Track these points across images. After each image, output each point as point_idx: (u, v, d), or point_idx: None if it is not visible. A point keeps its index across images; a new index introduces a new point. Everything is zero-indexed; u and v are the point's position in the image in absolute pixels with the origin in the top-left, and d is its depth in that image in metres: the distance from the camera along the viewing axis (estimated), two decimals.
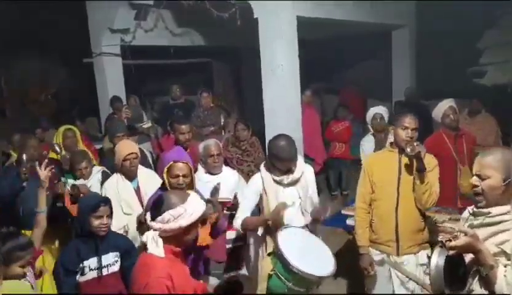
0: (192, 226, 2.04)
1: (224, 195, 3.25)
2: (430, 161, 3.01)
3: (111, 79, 7.28)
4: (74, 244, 2.83)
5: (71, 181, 3.78)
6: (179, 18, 7.60)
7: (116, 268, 2.81)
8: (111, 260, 2.80)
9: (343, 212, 4.21)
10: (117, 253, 2.82)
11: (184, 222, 1.98)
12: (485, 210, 2.02)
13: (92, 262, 2.75)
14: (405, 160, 2.97)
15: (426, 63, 7.78)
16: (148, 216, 2.04)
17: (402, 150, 2.95)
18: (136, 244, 3.05)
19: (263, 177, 3.09)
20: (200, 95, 6.06)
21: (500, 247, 1.92)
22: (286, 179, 3.03)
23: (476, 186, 2.03)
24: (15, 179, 3.52)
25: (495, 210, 1.99)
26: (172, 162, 2.83)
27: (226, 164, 4.59)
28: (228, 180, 3.52)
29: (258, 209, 3.22)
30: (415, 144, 2.83)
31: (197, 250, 2.84)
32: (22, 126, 7.49)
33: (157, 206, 2.02)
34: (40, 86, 9.78)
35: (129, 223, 3.32)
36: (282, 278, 2.46)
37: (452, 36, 6.95)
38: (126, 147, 3.54)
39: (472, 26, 6.50)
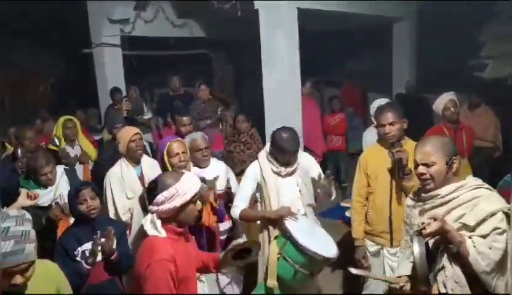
0: (188, 205, 2.04)
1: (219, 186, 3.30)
2: None
3: (111, 70, 7.28)
4: (71, 230, 2.87)
5: (37, 191, 3.26)
6: (179, 8, 7.58)
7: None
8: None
9: (342, 204, 4.24)
10: (114, 239, 2.78)
11: (177, 202, 1.99)
12: (433, 193, 2.18)
13: (89, 245, 2.74)
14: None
15: (427, 56, 7.77)
16: (146, 200, 2.09)
17: (391, 144, 2.98)
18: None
19: (261, 166, 3.12)
20: (198, 87, 6.03)
21: (461, 222, 2.09)
22: (284, 170, 3.06)
23: (423, 174, 2.18)
24: (11, 174, 3.50)
25: (442, 191, 2.16)
26: (168, 143, 2.96)
27: (226, 157, 4.62)
28: (217, 172, 3.49)
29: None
30: (396, 150, 2.85)
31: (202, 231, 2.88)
32: (21, 117, 7.50)
33: (152, 188, 2.05)
34: (39, 77, 9.75)
35: (133, 206, 3.32)
36: (290, 260, 2.50)
37: (453, 29, 6.93)
38: (130, 130, 3.57)
39: (473, 19, 6.48)
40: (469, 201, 2.12)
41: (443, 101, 4.19)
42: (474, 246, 2.01)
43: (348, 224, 4.09)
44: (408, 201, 2.41)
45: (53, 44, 8.75)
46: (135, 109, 6.37)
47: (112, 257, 2.69)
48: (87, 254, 2.71)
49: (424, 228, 2.01)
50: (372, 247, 3.18)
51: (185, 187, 2.03)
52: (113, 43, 7.25)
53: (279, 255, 2.56)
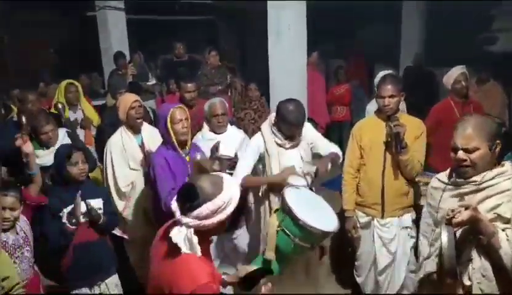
0: (230, 216, 1.75)
1: (232, 153, 3.30)
2: (418, 126, 3.08)
3: (115, 34, 7.18)
4: (55, 190, 2.89)
5: (39, 152, 3.42)
6: None
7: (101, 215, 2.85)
8: (98, 205, 2.83)
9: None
10: (101, 200, 2.86)
11: (223, 215, 1.71)
12: (470, 179, 2.02)
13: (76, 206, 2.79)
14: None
15: (436, 29, 7.61)
16: (176, 209, 1.72)
17: (388, 117, 3.00)
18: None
19: (264, 138, 3.10)
20: (209, 53, 5.97)
21: (495, 213, 1.94)
22: (288, 143, 3.05)
23: (463, 160, 2.00)
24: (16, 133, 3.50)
25: (480, 177, 1.99)
26: (172, 110, 2.94)
27: (236, 124, 4.61)
28: (233, 139, 3.50)
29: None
30: (394, 124, 2.86)
31: None
32: (24, 80, 7.45)
33: (189, 197, 1.70)
34: (41, 40, 9.62)
35: (136, 179, 3.36)
36: (289, 233, 2.50)
37: (463, 1, 6.77)
38: (129, 97, 3.53)
39: None
40: (507, 190, 1.96)
41: (454, 75, 4.12)
42: (508, 240, 1.88)
43: None
44: (435, 182, 2.25)
45: (57, 6, 8.61)
46: (139, 75, 6.32)
47: (100, 221, 2.79)
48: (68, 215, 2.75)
49: (454, 217, 1.88)
50: (362, 218, 3.21)
51: (230, 195, 1.73)
52: (117, 7, 7.12)
53: (278, 228, 2.54)
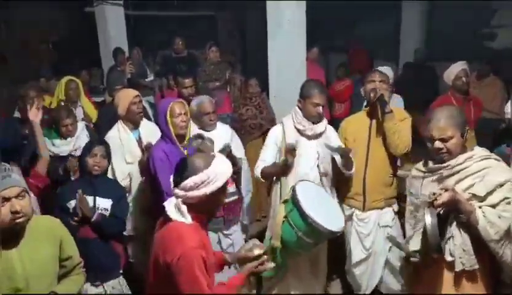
0: (218, 192, 1.88)
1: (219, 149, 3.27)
2: (401, 113, 3.19)
3: (113, 30, 7.15)
4: (71, 183, 2.97)
5: (57, 141, 3.58)
6: None
7: (106, 215, 2.85)
8: (106, 206, 2.85)
9: None
10: (111, 201, 2.87)
11: (208, 189, 1.84)
12: (442, 164, 2.24)
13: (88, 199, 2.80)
14: (376, 117, 3.09)
15: (436, 24, 7.59)
16: (171, 182, 1.91)
17: (370, 113, 3.11)
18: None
19: (284, 128, 3.14)
20: (209, 49, 5.95)
21: (470, 192, 2.15)
22: (310, 130, 3.05)
23: (440, 149, 2.20)
24: (18, 133, 3.52)
25: (452, 162, 2.21)
26: (171, 103, 2.99)
27: (237, 120, 4.62)
28: (222, 136, 3.48)
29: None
30: (373, 87, 3.02)
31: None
32: (23, 76, 7.43)
33: (180, 171, 1.88)
34: (40, 35, 9.60)
35: (132, 171, 3.37)
36: (294, 226, 2.52)
37: None
38: (130, 92, 3.53)
39: None
40: (478, 171, 2.17)
41: (454, 71, 4.13)
42: (484, 216, 2.08)
43: None
44: (414, 171, 2.45)
45: (55, 1, 8.59)
46: (138, 72, 6.30)
47: (93, 219, 2.74)
48: (77, 210, 2.76)
49: (436, 199, 2.06)
50: (346, 211, 3.26)
51: (216, 173, 1.86)
52: (115, 2, 7.09)
53: (284, 219, 2.57)
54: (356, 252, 3.26)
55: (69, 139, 3.59)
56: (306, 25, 4.79)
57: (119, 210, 2.90)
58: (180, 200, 1.87)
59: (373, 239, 3.22)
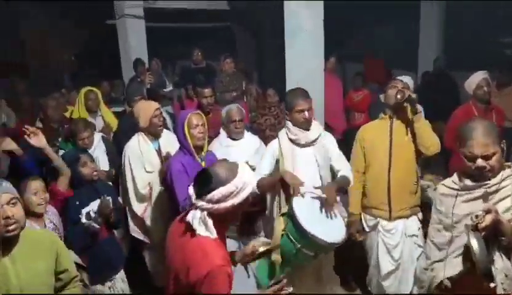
0: (245, 201, 1.82)
1: (246, 160, 3.27)
2: None
3: (134, 41, 7.28)
4: (75, 194, 3.01)
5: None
6: None
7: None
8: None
9: None
10: (110, 198, 2.95)
11: (237, 200, 1.77)
12: (483, 182, 2.08)
13: (93, 205, 2.88)
14: (396, 123, 3.04)
15: (455, 33, 7.51)
16: (192, 193, 1.82)
17: (391, 116, 3.05)
18: None
19: (279, 139, 3.13)
20: (224, 60, 6.02)
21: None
22: (303, 138, 3.03)
23: (484, 167, 2.04)
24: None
25: (494, 179, 2.07)
26: (189, 115, 3.03)
27: (255, 130, 4.63)
28: (249, 146, 3.53)
29: None
30: (401, 87, 2.94)
31: None
32: (45, 86, 7.59)
33: (204, 182, 1.79)
34: (63, 47, 9.84)
35: (152, 180, 3.42)
36: (292, 238, 2.50)
37: (483, 5, 6.66)
38: (151, 105, 3.57)
39: None
40: None
41: (476, 80, 4.06)
42: None
43: None
44: (444, 189, 2.28)
45: (78, 14, 8.79)
46: (157, 82, 6.38)
47: (112, 219, 2.92)
48: (92, 215, 2.83)
49: (478, 223, 1.91)
50: (370, 221, 3.20)
51: (243, 182, 1.79)
52: (136, 15, 7.23)
53: (283, 232, 2.55)
54: (384, 264, 3.18)
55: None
56: (323, 32, 4.80)
57: (116, 202, 3.12)
58: (205, 212, 1.78)
59: (401, 249, 3.15)
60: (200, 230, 1.77)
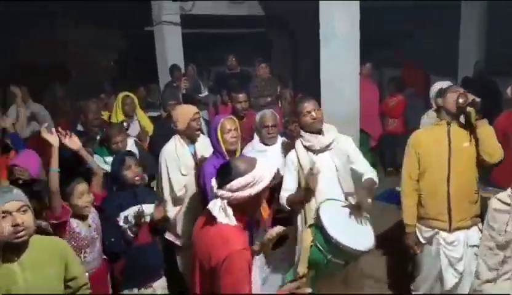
0: (261, 193, 1.96)
1: (278, 165, 3.27)
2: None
3: (171, 47, 7.43)
4: (113, 195, 3.07)
5: (108, 159, 3.64)
6: None
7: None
8: (150, 211, 2.96)
9: (398, 188, 4.09)
10: (152, 206, 2.98)
11: (253, 190, 1.91)
12: None
13: (132, 210, 2.92)
14: (454, 128, 2.88)
15: (496, 37, 7.25)
16: (214, 184, 1.97)
17: (449, 122, 2.89)
18: None
19: (296, 149, 3.09)
20: (258, 65, 6.05)
21: None
22: (317, 143, 2.98)
23: None
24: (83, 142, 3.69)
25: None
26: (222, 120, 3.06)
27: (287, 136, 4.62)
28: (282, 151, 3.51)
29: None
30: (462, 93, 2.77)
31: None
32: (86, 90, 7.85)
33: (224, 173, 1.94)
34: (102, 53, 10.17)
35: (188, 182, 3.46)
36: (322, 249, 2.48)
37: None
38: (190, 108, 3.63)
39: None
40: None
41: None
42: None
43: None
44: (498, 204, 2.21)
45: (117, 21, 9.06)
46: (192, 87, 6.48)
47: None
48: (129, 219, 2.88)
49: None
50: (426, 232, 3.04)
51: (260, 175, 1.93)
52: (173, 22, 7.38)
53: (312, 243, 2.53)
54: (449, 278, 3.01)
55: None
56: (359, 36, 4.74)
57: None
58: (225, 201, 1.92)
59: (465, 261, 2.97)
60: (220, 217, 1.91)
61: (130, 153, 3.18)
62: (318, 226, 2.51)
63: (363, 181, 2.98)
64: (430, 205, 2.97)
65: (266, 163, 2.02)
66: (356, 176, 3.06)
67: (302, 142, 3.05)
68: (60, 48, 9.93)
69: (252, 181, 1.90)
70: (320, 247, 2.48)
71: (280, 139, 3.63)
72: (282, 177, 3.15)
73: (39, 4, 8.31)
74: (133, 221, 2.87)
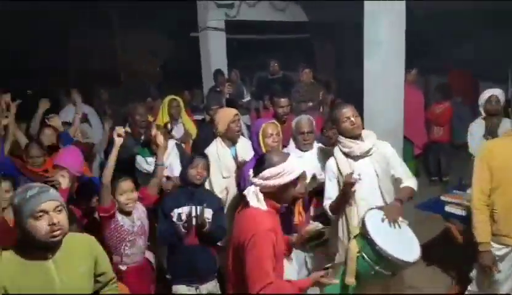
0: (290, 185, 2.15)
1: (316, 172, 3.30)
2: None
3: (215, 53, 7.55)
4: (174, 192, 3.19)
5: (149, 159, 3.75)
6: None
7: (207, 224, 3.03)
8: (208, 215, 3.03)
9: (442, 198, 4.00)
10: (211, 211, 3.05)
11: (282, 180, 2.11)
12: None
13: (186, 209, 3.02)
14: None
15: None
16: (251, 173, 2.19)
17: None
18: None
19: (335, 156, 3.03)
20: (302, 71, 6.07)
21: None
22: (357, 149, 2.92)
23: None
24: (131, 143, 3.88)
25: None
26: (264, 124, 3.12)
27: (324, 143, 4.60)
28: (318, 158, 3.48)
29: None
30: None
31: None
32: (133, 94, 8.15)
33: (259, 163, 2.18)
34: (149, 58, 10.53)
35: (228, 185, 3.53)
36: (370, 260, 2.45)
37: None
38: (230, 111, 3.72)
39: None
40: None
41: None
42: None
43: (446, 219, 3.92)
44: None
45: (164, 27, 9.35)
46: (236, 92, 6.57)
47: (204, 229, 2.96)
48: (183, 217, 2.99)
49: None
50: (499, 250, 2.88)
51: (291, 167, 2.13)
52: (218, 28, 7.52)
53: (358, 254, 2.50)
54: None
55: None
56: (405, 42, 4.66)
57: (220, 219, 3.11)
58: (258, 188, 2.14)
59: None
60: (253, 201, 2.14)
61: (203, 155, 3.26)
62: (364, 237, 2.49)
63: (400, 188, 2.93)
64: (504, 222, 2.82)
65: (296, 159, 2.21)
66: (396, 182, 3.01)
67: (341, 149, 3.00)
68: (109, 54, 10.39)
69: (281, 172, 2.10)
70: (367, 258, 2.46)
71: (316, 145, 3.59)
72: (322, 184, 3.15)
73: (91, 14, 8.73)
74: (187, 219, 2.97)
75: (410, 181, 2.95)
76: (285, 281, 2.13)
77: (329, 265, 2.27)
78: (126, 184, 2.91)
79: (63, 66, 9.80)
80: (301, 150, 3.49)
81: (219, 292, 3.21)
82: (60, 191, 2.45)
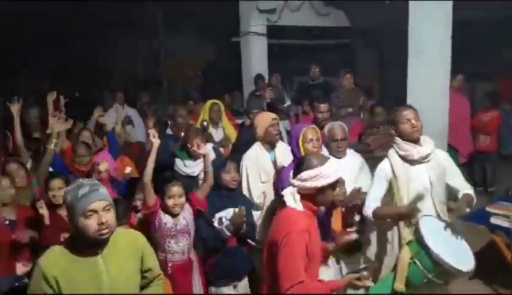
0: (327, 188, 2.18)
1: (348, 179, 3.18)
2: None
3: (256, 58, 7.62)
4: (211, 198, 3.21)
5: (188, 162, 3.79)
6: None
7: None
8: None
9: (488, 209, 3.86)
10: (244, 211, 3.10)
11: (319, 182, 2.14)
12: None
13: (224, 213, 3.09)
14: None
15: None
16: (291, 174, 2.23)
17: None
18: None
19: (390, 159, 2.96)
20: (343, 76, 6.02)
21: None
22: (416, 153, 2.85)
23: None
24: (168, 150, 3.96)
25: None
26: (304, 129, 3.14)
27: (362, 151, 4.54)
28: (351, 165, 3.45)
29: None
30: None
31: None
32: (175, 97, 8.35)
33: (298, 165, 2.23)
34: (191, 63, 10.76)
35: (266, 190, 3.54)
36: (423, 268, 2.41)
37: None
38: (268, 115, 3.75)
39: None
40: None
41: None
42: None
43: (492, 231, 3.78)
44: None
45: (207, 32, 9.52)
46: (276, 98, 6.57)
47: (242, 230, 3.05)
48: (223, 221, 3.04)
49: None
50: None
51: (328, 171, 2.15)
52: (259, 33, 7.57)
53: (410, 260, 2.47)
54: None
55: (198, 160, 3.72)
56: (451, 48, 4.53)
57: (250, 217, 3.22)
58: (295, 189, 2.19)
59: None
60: (290, 201, 2.18)
61: (233, 159, 3.37)
62: (419, 243, 2.45)
63: (460, 196, 2.85)
64: None
65: (335, 163, 2.25)
66: (449, 193, 2.95)
67: (397, 151, 2.93)
68: (153, 58, 10.70)
69: (319, 175, 2.13)
70: (421, 266, 2.43)
71: (349, 152, 3.53)
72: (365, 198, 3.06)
73: (136, 19, 9.01)
74: (229, 223, 3.02)
75: (469, 191, 2.90)
76: (316, 280, 2.14)
77: (363, 266, 2.29)
78: (175, 189, 2.98)
79: (107, 68, 10.19)
80: (335, 157, 3.42)
81: (249, 292, 3.29)
82: None
